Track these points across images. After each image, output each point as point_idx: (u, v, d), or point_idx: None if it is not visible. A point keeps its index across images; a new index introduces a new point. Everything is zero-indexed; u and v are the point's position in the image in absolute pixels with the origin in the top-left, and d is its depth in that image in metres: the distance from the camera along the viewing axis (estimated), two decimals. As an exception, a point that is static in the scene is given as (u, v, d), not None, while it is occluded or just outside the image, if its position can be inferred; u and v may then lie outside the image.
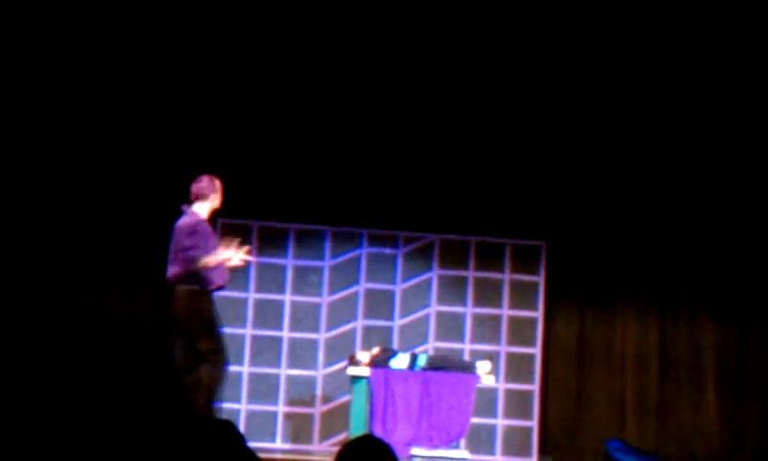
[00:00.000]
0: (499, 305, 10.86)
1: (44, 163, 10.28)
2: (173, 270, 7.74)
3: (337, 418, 10.37)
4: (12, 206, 10.18)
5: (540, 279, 10.89)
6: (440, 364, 9.66)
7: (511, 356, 10.78)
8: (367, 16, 10.29)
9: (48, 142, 10.30)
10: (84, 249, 10.29)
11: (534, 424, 10.73)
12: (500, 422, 10.69)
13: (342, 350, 10.42)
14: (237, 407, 10.40)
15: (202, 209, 7.91)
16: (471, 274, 10.88)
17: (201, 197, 7.89)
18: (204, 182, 7.94)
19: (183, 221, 7.86)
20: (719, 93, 10.68)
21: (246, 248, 7.91)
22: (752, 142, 10.84)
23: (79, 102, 10.32)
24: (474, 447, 10.24)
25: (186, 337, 7.69)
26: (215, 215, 10.46)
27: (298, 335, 10.63)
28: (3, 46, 10.06)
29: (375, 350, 9.73)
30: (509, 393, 10.74)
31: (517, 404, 10.73)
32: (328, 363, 10.58)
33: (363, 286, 10.77)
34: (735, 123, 10.80)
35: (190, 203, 7.98)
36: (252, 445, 3.52)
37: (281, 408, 10.53)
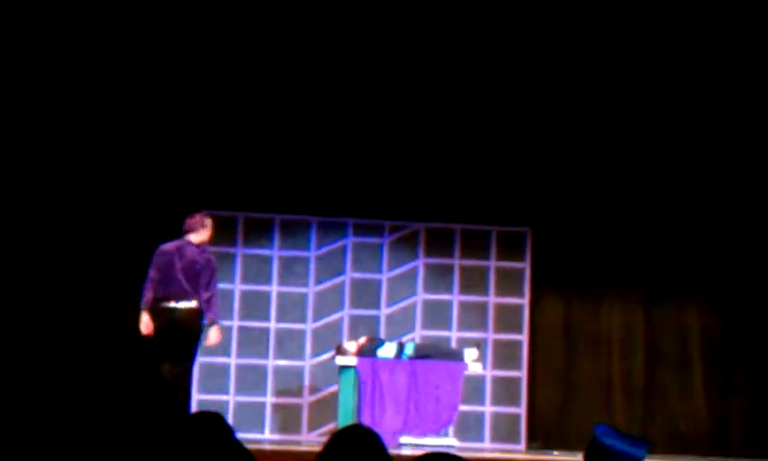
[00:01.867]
0: (486, 293, 10.87)
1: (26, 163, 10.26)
2: (190, 288, 8.54)
3: (325, 408, 10.37)
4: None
5: (526, 266, 10.90)
6: (427, 352, 9.67)
7: (498, 343, 10.80)
8: (349, 6, 10.27)
9: (30, 139, 10.27)
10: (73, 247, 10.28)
11: (522, 410, 10.75)
12: (488, 409, 10.71)
13: (329, 339, 10.42)
14: (225, 399, 10.40)
15: (196, 240, 8.73)
16: (457, 261, 10.88)
17: (192, 230, 8.71)
18: (196, 218, 8.78)
19: (199, 253, 8.67)
20: (702, 81, 10.69)
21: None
22: (733, 128, 10.86)
23: (61, 105, 10.29)
24: (463, 434, 10.26)
25: (182, 346, 8.46)
26: (199, 207, 10.51)
27: (285, 326, 10.63)
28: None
29: (363, 339, 9.73)
30: (496, 380, 10.76)
31: (505, 391, 10.75)
32: (316, 353, 10.58)
33: (349, 276, 10.77)
34: (716, 110, 10.82)
35: (183, 234, 8.71)
36: (240, 436, 3.51)
37: (269, 399, 10.53)
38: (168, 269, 8.57)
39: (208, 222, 8.81)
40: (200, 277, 8.60)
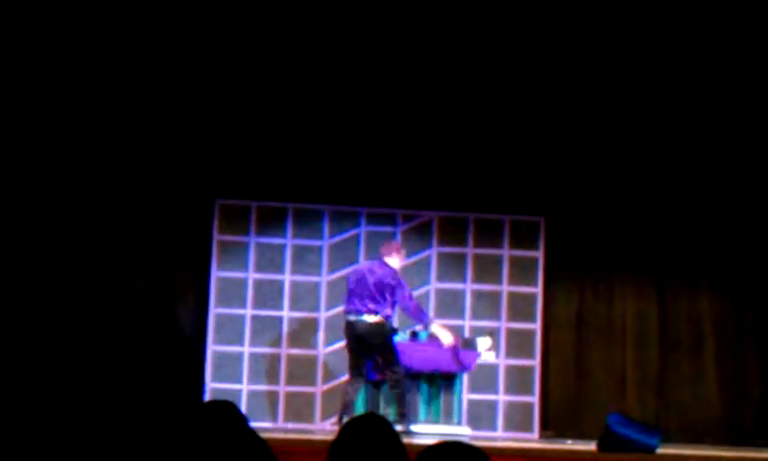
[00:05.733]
0: (499, 281, 10.86)
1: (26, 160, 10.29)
2: (374, 305, 9.05)
3: (338, 396, 10.37)
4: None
5: (540, 255, 10.89)
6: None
7: (511, 332, 10.80)
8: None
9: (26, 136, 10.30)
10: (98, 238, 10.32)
11: (535, 399, 10.75)
12: (501, 398, 10.72)
13: (342, 328, 10.40)
14: (238, 388, 10.42)
15: (392, 262, 9.24)
16: (470, 250, 10.88)
17: (386, 254, 9.28)
18: (392, 245, 9.47)
19: (382, 269, 9.14)
20: (713, 73, 10.65)
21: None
22: (746, 116, 10.83)
23: (72, 94, 10.30)
24: (475, 423, 10.27)
25: (371, 357, 9.22)
26: (213, 197, 10.54)
27: (297, 314, 10.65)
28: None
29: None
30: (509, 369, 10.75)
31: (518, 380, 10.75)
32: (329, 342, 10.60)
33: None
34: (728, 101, 10.78)
35: (380, 256, 9.29)
36: (253, 425, 3.52)
37: (282, 388, 10.54)
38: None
39: (403, 253, 9.49)
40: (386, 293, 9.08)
